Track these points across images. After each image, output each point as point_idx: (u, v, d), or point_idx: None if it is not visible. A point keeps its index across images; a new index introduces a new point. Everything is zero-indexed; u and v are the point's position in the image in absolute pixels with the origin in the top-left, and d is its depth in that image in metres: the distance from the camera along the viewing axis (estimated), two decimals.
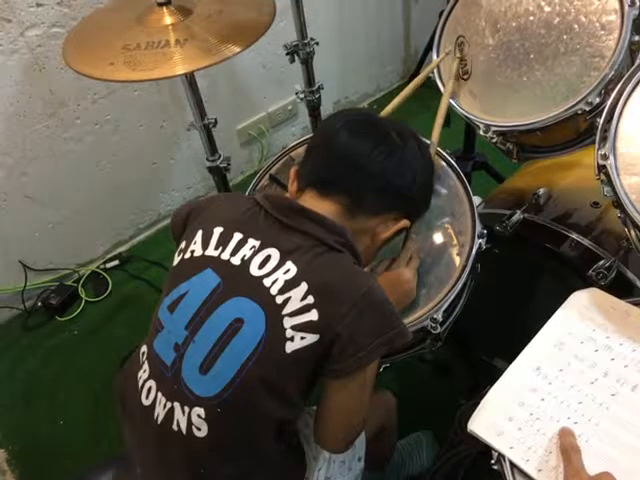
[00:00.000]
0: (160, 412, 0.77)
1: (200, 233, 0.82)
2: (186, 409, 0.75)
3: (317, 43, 1.42)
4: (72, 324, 1.84)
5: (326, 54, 2.17)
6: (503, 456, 0.73)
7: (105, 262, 1.99)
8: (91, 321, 1.85)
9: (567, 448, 0.70)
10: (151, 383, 0.80)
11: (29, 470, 1.50)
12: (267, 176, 1.10)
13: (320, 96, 1.52)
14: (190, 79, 1.19)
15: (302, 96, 1.50)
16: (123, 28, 1.07)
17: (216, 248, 0.79)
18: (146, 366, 0.81)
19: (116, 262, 1.99)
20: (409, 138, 0.88)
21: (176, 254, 0.85)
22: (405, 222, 0.88)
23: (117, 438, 0.88)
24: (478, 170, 1.79)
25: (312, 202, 0.83)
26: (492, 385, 0.80)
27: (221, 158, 1.34)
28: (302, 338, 0.73)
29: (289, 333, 0.73)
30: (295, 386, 0.77)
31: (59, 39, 1.52)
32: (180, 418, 0.76)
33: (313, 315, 0.73)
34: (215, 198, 0.89)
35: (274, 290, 0.74)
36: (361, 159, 0.83)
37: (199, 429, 0.75)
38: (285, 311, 0.73)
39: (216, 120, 1.30)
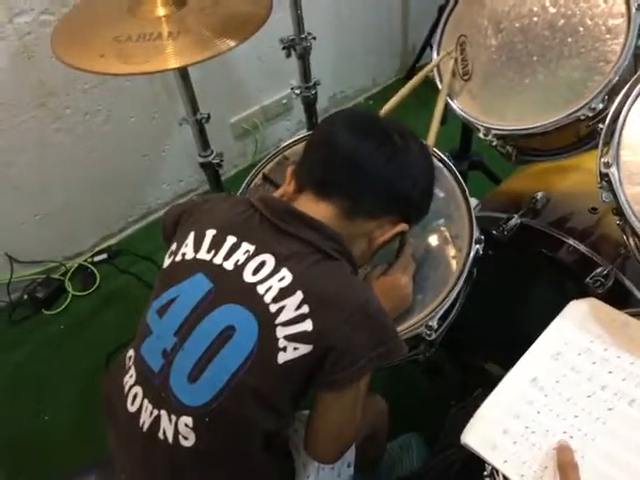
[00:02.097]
0: (146, 419, 0.75)
1: (192, 235, 0.79)
2: (173, 417, 0.73)
3: (314, 38, 1.39)
4: (58, 318, 1.81)
5: (322, 48, 2.13)
6: (497, 470, 0.71)
7: (93, 256, 1.95)
8: (78, 315, 1.82)
9: (565, 465, 0.68)
10: (137, 389, 0.77)
11: (13, 466, 1.47)
12: (260, 175, 1.07)
13: (316, 92, 1.49)
14: (183, 73, 1.15)
15: (298, 92, 1.47)
16: (114, 18, 1.03)
17: (208, 251, 0.76)
18: (132, 371, 0.79)
19: (104, 256, 1.95)
20: (411, 140, 0.85)
21: (166, 256, 0.82)
22: (403, 226, 0.85)
23: (102, 436, 0.86)
24: (474, 170, 1.77)
25: (309, 205, 0.80)
26: (482, 389, 0.79)
27: (214, 154, 1.31)
28: (295, 349, 0.71)
29: (282, 343, 0.70)
30: (286, 397, 0.75)
31: (49, 27, 1.48)
32: (167, 427, 0.73)
33: (307, 325, 0.70)
34: (209, 199, 0.86)
35: (268, 298, 0.72)
36: (363, 161, 0.80)
37: (186, 438, 0.73)
38: (278, 320, 0.71)
39: (209, 115, 1.26)
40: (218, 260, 0.75)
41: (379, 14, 2.36)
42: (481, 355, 1.27)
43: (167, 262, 0.81)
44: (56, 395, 1.61)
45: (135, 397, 0.77)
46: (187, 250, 0.78)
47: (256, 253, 0.74)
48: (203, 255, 0.76)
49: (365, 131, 0.82)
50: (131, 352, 0.81)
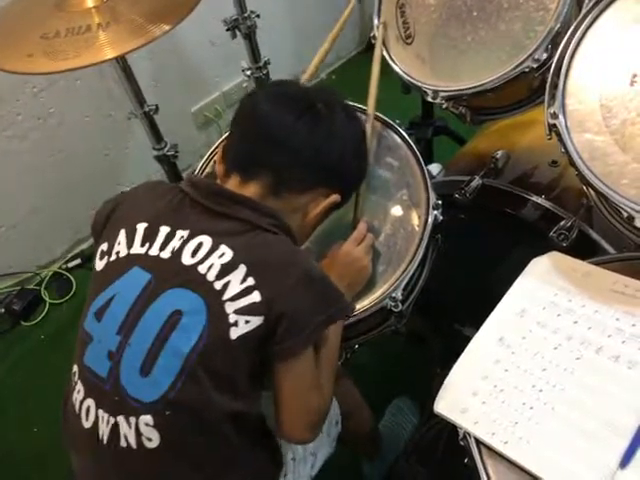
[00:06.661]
0: (104, 430, 0.72)
1: (123, 232, 0.76)
2: (132, 420, 0.70)
3: (258, 16, 1.35)
4: (38, 328, 1.79)
5: (278, 26, 2.10)
6: (469, 433, 0.71)
7: (67, 262, 1.93)
8: (57, 324, 1.80)
9: None
10: (89, 402, 0.73)
11: (5, 478, 1.47)
12: (212, 164, 1.05)
13: (268, 72, 1.46)
14: (123, 64, 1.12)
15: (249, 73, 1.44)
16: (41, 16, 0.99)
17: (142, 245, 0.74)
18: (79, 386, 0.75)
19: (78, 261, 1.93)
20: (336, 108, 0.83)
21: (97, 257, 0.78)
22: (335, 197, 0.84)
23: None
24: (439, 135, 1.75)
25: (237, 188, 0.79)
26: None
27: (167, 146, 1.28)
28: (246, 322, 0.70)
29: (232, 318, 0.69)
30: (243, 374, 0.73)
31: None
32: (127, 432, 0.70)
33: (255, 297, 0.70)
34: (135, 191, 0.83)
35: (211, 276, 0.70)
36: (282, 133, 0.78)
37: (150, 439, 0.70)
38: (226, 296, 0.70)
39: (157, 106, 1.23)
40: (154, 252, 0.73)
41: None
42: (458, 319, 1.27)
43: (100, 264, 0.77)
44: (43, 406, 1.58)
45: (88, 411, 0.73)
46: (120, 248, 0.75)
47: (191, 237, 0.73)
48: (137, 249, 0.74)
49: (285, 102, 0.80)
50: (74, 367, 0.77)
